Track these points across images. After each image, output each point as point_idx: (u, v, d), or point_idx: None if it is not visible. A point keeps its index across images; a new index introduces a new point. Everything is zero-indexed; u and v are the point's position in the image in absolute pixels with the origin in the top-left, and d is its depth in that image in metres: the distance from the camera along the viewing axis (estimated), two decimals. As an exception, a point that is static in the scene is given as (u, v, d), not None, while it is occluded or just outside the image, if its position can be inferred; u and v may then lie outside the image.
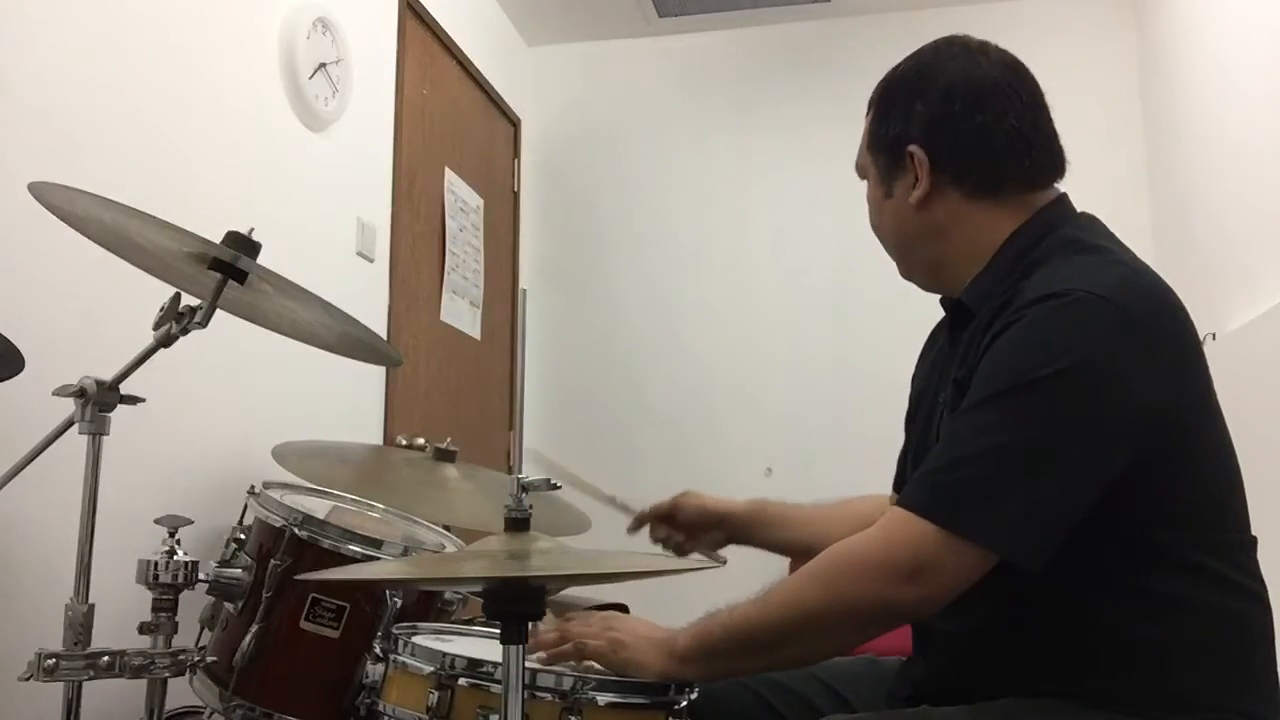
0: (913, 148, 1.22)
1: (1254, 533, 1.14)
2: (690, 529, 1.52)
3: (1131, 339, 1.04)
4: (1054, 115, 1.27)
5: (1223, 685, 1.08)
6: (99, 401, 1.38)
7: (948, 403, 1.18)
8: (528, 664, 1.13)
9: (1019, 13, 3.75)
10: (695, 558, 1.51)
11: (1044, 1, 3.76)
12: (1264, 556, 1.13)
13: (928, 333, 1.42)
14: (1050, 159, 1.24)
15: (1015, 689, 1.11)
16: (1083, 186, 1.38)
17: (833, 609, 1.08)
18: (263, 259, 1.42)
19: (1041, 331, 1.05)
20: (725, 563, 1.48)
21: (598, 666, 1.19)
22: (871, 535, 1.09)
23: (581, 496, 1.59)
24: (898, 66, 1.32)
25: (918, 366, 1.41)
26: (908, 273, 1.33)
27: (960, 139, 1.21)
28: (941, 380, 1.27)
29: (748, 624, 1.12)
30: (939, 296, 1.33)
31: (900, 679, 1.31)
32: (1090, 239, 1.17)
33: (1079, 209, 1.27)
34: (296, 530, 1.55)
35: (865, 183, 1.34)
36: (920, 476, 1.09)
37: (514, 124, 4.02)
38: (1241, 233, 2.70)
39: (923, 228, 1.24)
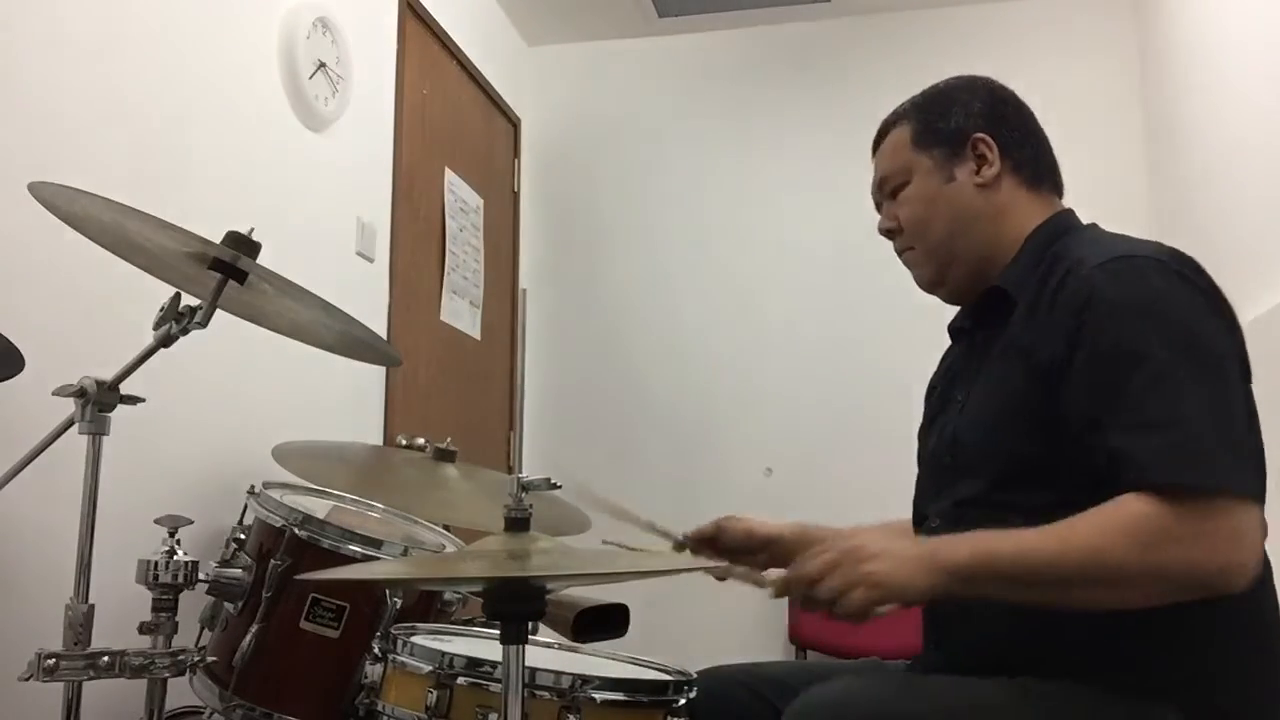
0: (980, 134, 1.33)
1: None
2: (733, 553, 1.47)
3: (1190, 287, 1.13)
4: (1053, 116, 1.41)
5: (1232, 667, 1.11)
6: (99, 401, 1.38)
7: (966, 397, 1.25)
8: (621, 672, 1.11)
9: (1019, 13, 3.75)
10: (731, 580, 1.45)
11: (1044, 2, 3.76)
12: (1270, 549, 1.13)
13: (928, 332, 1.44)
14: (1059, 171, 1.38)
15: (1030, 673, 1.12)
16: (1083, 186, 1.40)
17: (1145, 571, 1.04)
18: (263, 259, 1.42)
19: (1116, 296, 1.12)
20: (770, 585, 1.44)
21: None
22: (1165, 505, 1.04)
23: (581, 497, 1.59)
24: (928, 88, 1.40)
25: (929, 394, 1.44)
26: (941, 272, 1.36)
27: (1016, 131, 1.34)
28: (958, 382, 1.33)
29: (1042, 559, 1.06)
30: (946, 316, 1.37)
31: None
32: (1110, 232, 1.28)
33: (1079, 209, 1.36)
34: (296, 530, 1.55)
35: (899, 192, 1.37)
36: (1164, 456, 1.05)
37: (514, 124, 4.02)
38: (1241, 233, 2.70)
39: (984, 209, 1.32)
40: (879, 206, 1.43)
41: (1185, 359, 1.09)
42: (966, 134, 1.33)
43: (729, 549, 1.48)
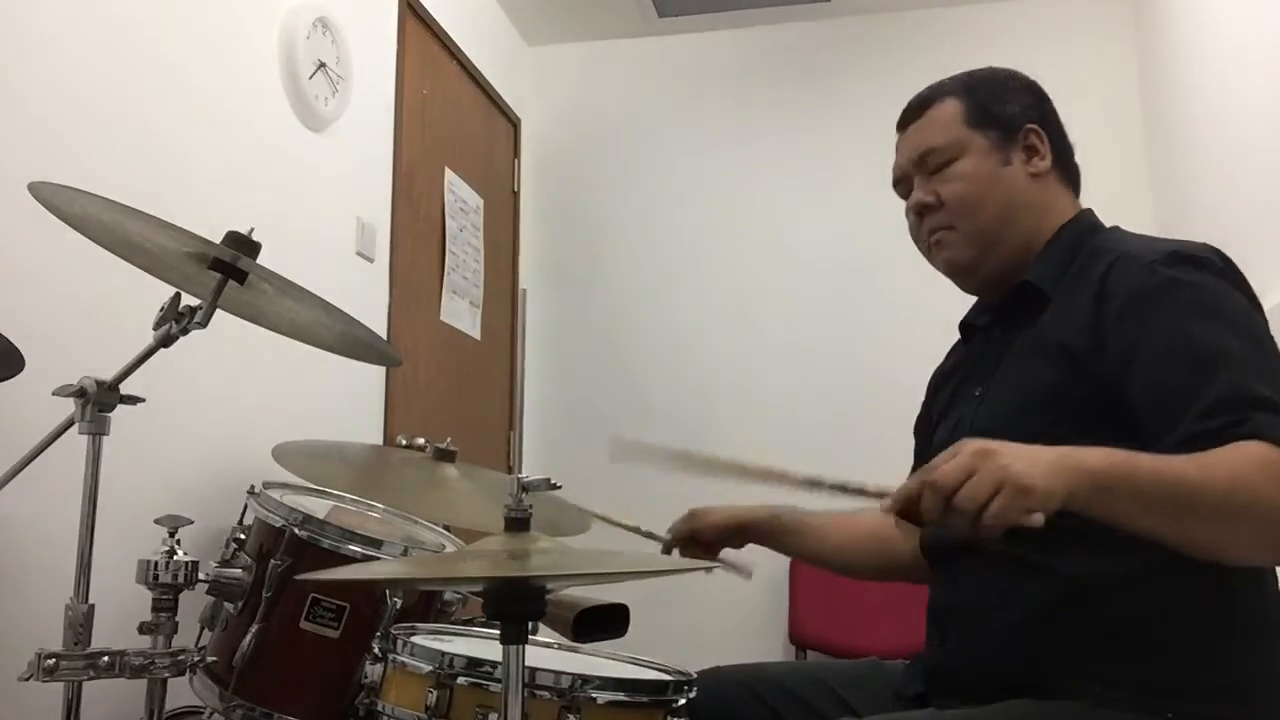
0: (1033, 126, 1.33)
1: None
2: (712, 545, 1.52)
3: (1227, 283, 1.16)
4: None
5: (1233, 677, 1.10)
6: (99, 401, 1.38)
7: (986, 391, 1.27)
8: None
9: (1019, 13, 3.74)
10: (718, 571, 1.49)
11: (1044, 2, 3.76)
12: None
13: (928, 333, 1.43)
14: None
15: (1030, 675, 1.11)
16: (1083, 187, 1.39)
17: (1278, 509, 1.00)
18: (263, 259, 1.42)
19: (1199, 285, 1.14)
20: (751, 576, 1.49)
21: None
22: None
23: (584, 495, 1.60)
24: (969, 71, 1.39)
25: (932, 386, 1.43)
26: (981, 256, 1.32)
27: (1057, 128, 1.36)
28: (972, 377, 1.33)
29: (1183, 481, 1.00)
30: (947, 315, 1.36)
31: (908, 677, 1.31)
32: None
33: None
34: (296, 530, 1.55)
35: (947, 165, 1.33)
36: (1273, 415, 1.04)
37: (514, 124, 4.02)
38: (1242, 233, 2.70)
39: (1034, 199, 1.32)
40: (903, 184, 1.37)
41: (1260, 334, 1.12)
42: (1020, 123, 1.32)
43: (708, 542, 1.52)
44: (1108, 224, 1.33)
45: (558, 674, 1.16)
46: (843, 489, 1.12)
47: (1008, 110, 1.33)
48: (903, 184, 1.38)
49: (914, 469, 1.39)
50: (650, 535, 1.54)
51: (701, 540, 1.51)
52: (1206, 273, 1.16)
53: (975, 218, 1.31)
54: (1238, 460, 1.00)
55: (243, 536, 1.61)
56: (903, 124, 1.38)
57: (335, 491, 1.82)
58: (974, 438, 1.01)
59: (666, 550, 1.53)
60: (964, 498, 0.96)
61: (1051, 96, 1.38)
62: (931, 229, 1.34)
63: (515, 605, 0.95)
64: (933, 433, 1.39)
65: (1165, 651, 1.09)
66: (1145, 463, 1.01)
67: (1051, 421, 1.16)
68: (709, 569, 1.26)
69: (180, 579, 1.40)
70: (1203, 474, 1.00)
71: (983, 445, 0.98)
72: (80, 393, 1.38)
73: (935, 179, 1.32)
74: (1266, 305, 1.21)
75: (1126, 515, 1.01)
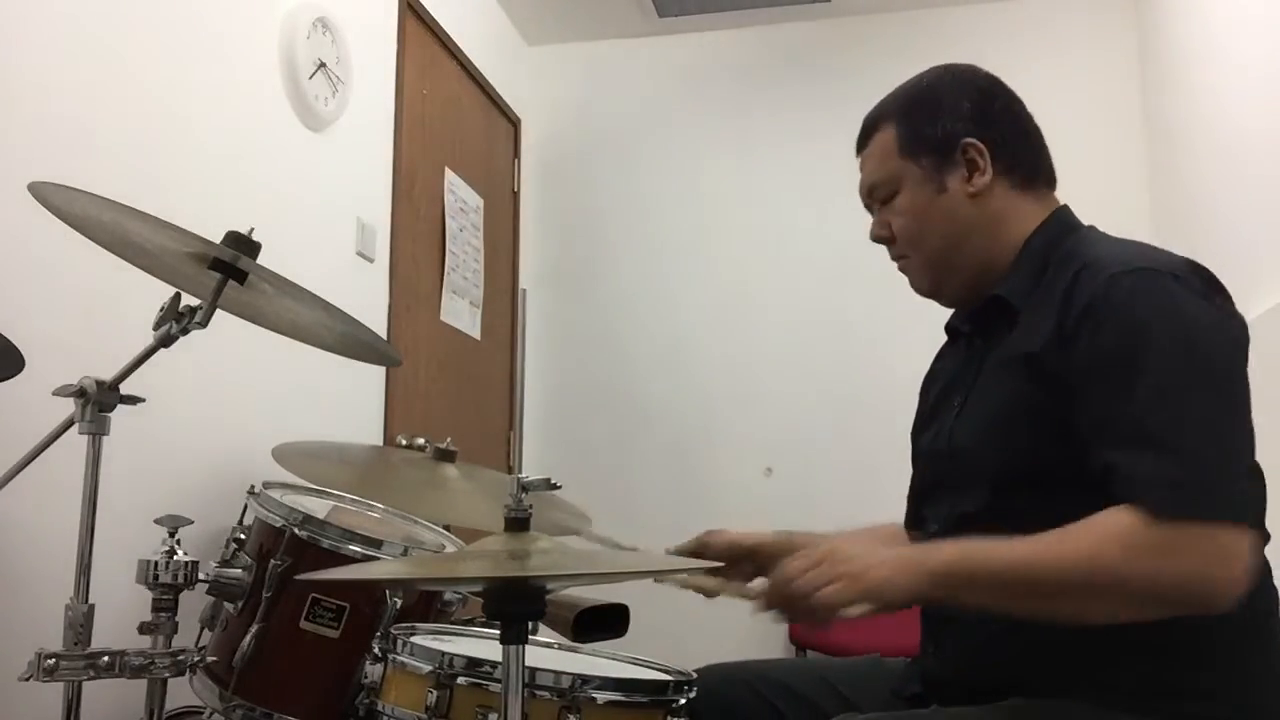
0: (970, 140, 1.26)
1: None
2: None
3: (1204, 301, 1.11)
4: (1053, 116, 1.34)
5: (1231, 679, 1.10)
6: (99, 401, 1.38)
7: (963, 401, 1.23)
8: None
9: (1019, 13, 3.75)
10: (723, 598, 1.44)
11: (1044, 2, 3.76)
12: (1271, 553, 1.13)
13: (928, 333, 1.43)
14: (1052, 162, 1.32)
15: (1023, 682, 1.11)
16: (1083, 186, 1.39)
17: (1135, 580, 1.03)
18: (263, 259, 1.42)
19: (1136, 312, 1.09)
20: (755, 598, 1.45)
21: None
22: (1163, 524, 1.02)
23: (584, 495, 1.59)
24: (912, 83, 1.34)
25: (924, 392, 1.43)
26: (937, 283, 1.32)
27: (1007, 130, 1.28)
28: (956, 387, 1.30)
29: (1034, 567, 1.05)
30: (946, 315, 1.35)
31: (906, 677, 1.31)
32: (1114, 238, 1.24)
33: (1079, 209, 1.34)
34: (296, 530, 1.55)
35: (889, 200, 1.32)
36: (1162, 480, 1.04)
37: (514, 124, 4.02)
38: (1242, 233, 2.70)
39: (978, 219, 1.27)
40: (870, 208, 1.38)
41: (1195, 377, 1.06)
42: (956, 139, 1.26)
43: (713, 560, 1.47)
44: (1107, 224, 1.29)
45: (558, 674, 1.16)
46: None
47: (940, 130, 1.27)
48: (870, 211, 1.39)
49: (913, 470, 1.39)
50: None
51: (707, 558, 1.43)
52: (1167, 289, 1.10)
53: (923, 248, 1.31)
54: (1101, 537, 1.04)
55: (243, 536, 1.61)
56: (857, 149, 1.38)
57: (335, 491, 1.82)
58: (952, 445, 1.13)
59: None
60: (801, 584, 1.09)
61: (1051, 97, 1.34)
62: (893, 258, 1.36)
63: (515, 605, 0.95)
64: (920, 437, 1.39)
65: (1161, 653, 1.09)
66: (998, 555, 1.06)
67: (1027, 436, 1.15)
68: (712, 595, 1.26)
69: (180, 579, 1.40)
70: (1060, 559, 1.04)
71: (832, 545, 1.12)
72: (80, 393, 1.38)
73: (885, 210, 1.33)
74: (1266, 305, 1.20)
75: (982, 603, 1.08)
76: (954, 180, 1.27)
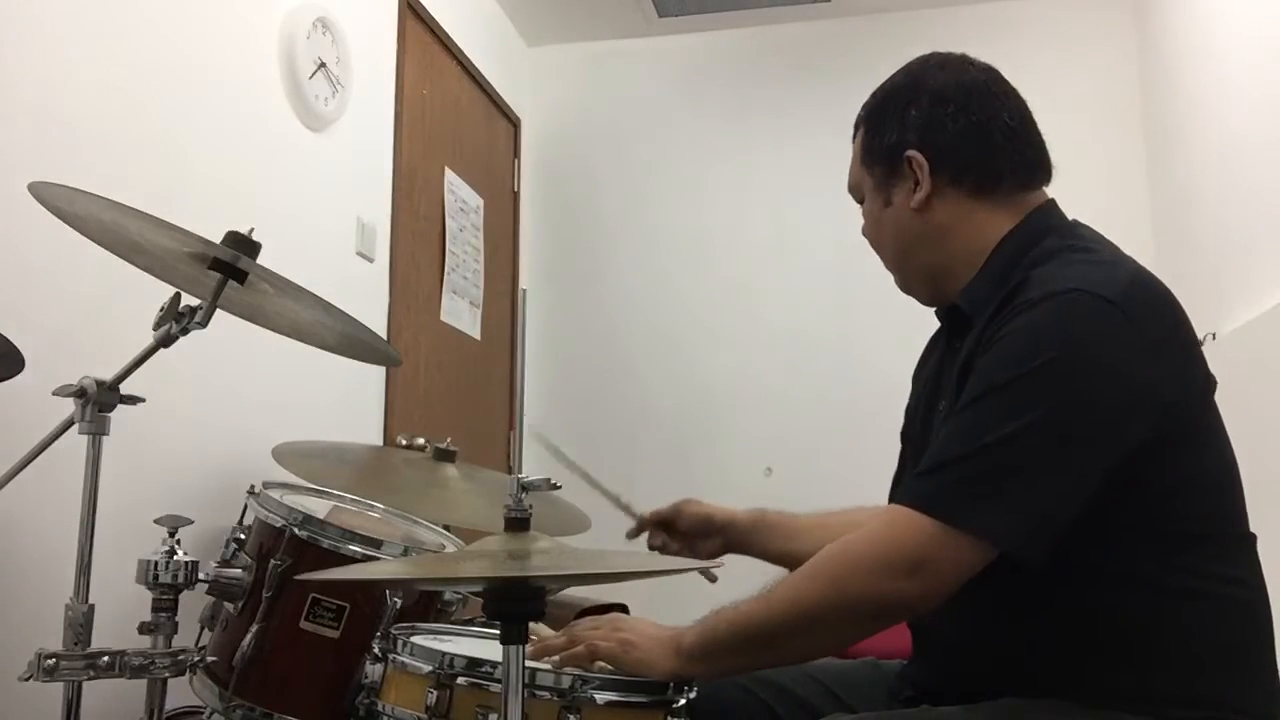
0: (910, 152, 1.24)
1: (1253, 530, 1.14)
2: (688, 537, 1.51)
3: (1130, 331, 1.05)
4: (1053, 116, 1.29)
5: (1223, 681, 1.09)
6: (99, 401, 1.38)
7: (949, 408, 1.18)
8: (533, 665, 1.14)
9: (1019, 14, 3.75)
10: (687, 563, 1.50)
11: (1043, 2, 3.76)
12: (1263, 554, 1.13)
13: (928, 333, 1.42)
14: (1040, 158, 1.26)
15: (1014, 687, 1.11)
16: (1083, 186, 1.39)
17: (833, 605, 1.09)
18: (263, 259, 1.42)
19: (1034, 327, 1.07)
20: (715, 580, 1.48)
21: (608, 667, 1.20)
22: (871, 531, 1.10)
23: (583, 495, 1.59)
24: (885, 84, 1.33)
25: (915, 378, 1.41)
26: (906, 285, 1.34)
27: (956, 138, 1.22)
28: (940, 390, 1.27)
29: (751, 621, 1.13)
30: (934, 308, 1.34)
31: (901, 681, 1.31)
32: (1085, 243, 1.19)
33: (1079, 209, 1.28)
34: (296, 530, 1.55)
35: (863, 202, 1.34)
36: (919, 473, 1.10)
37: (514, 124, 4.02)
38: (1241, 232, 2.70)
39: (924, 232, 1.25)
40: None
41: (1050, 426, 1.03)
42: (900, 151, 1.24)
43: (684, 531, 1.52)
44: (1107, 224, 1.26)
45: (558, 674, 1.16)
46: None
47: (887, 141, 1.26)
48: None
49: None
50: (626, 509, 1.54)
51: (678, 527, 1.51)
52: (1084, 319, 1.05)
53: (884, 255, 1.33)
54: (804, 571, 1.12)
55: (243, 536, 1.61)
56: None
57: (335, 491, 1.82)
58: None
59: (635, 532, 1.54)
60: (580, 633, 1.23)
61: (1051, 97, 1.32)
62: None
63: (515, 605, 0.95)
64: (908, 430, 1.37)
65: (1154, 657, 1.08)
66: (723, 622, 1.15)
67: None
68: (685, 570, 1.29)
69: (180, 579, 1.40)
70: (765, 609, 1.13)
71: (617, 617, 1.25)
72: (80, 393, 1.38)
73: (863, 211, 1.35)
74: (1266, 305, 1.19)
75: (731, 668, 1.20)
76: (899, 194, 1.26)
